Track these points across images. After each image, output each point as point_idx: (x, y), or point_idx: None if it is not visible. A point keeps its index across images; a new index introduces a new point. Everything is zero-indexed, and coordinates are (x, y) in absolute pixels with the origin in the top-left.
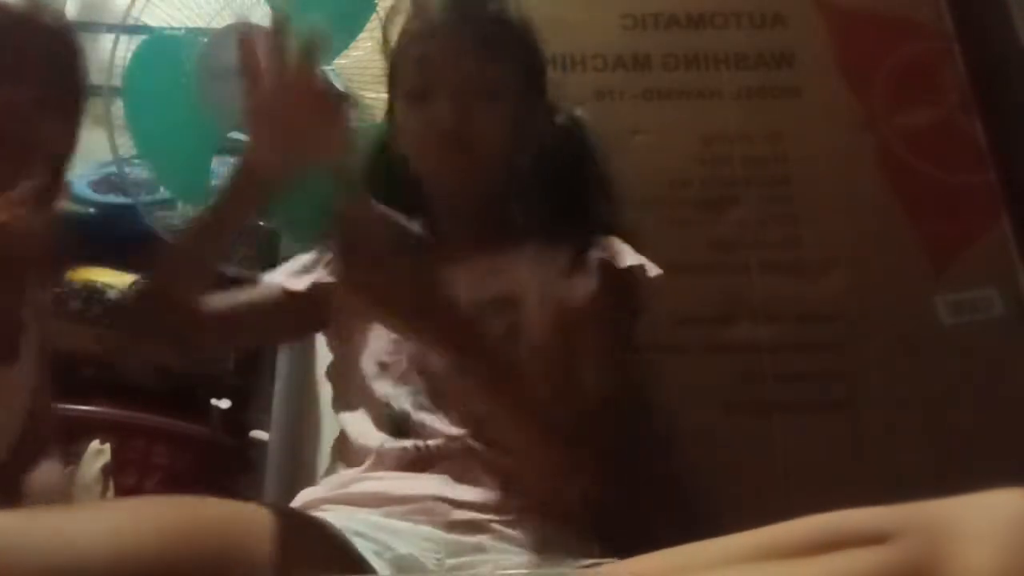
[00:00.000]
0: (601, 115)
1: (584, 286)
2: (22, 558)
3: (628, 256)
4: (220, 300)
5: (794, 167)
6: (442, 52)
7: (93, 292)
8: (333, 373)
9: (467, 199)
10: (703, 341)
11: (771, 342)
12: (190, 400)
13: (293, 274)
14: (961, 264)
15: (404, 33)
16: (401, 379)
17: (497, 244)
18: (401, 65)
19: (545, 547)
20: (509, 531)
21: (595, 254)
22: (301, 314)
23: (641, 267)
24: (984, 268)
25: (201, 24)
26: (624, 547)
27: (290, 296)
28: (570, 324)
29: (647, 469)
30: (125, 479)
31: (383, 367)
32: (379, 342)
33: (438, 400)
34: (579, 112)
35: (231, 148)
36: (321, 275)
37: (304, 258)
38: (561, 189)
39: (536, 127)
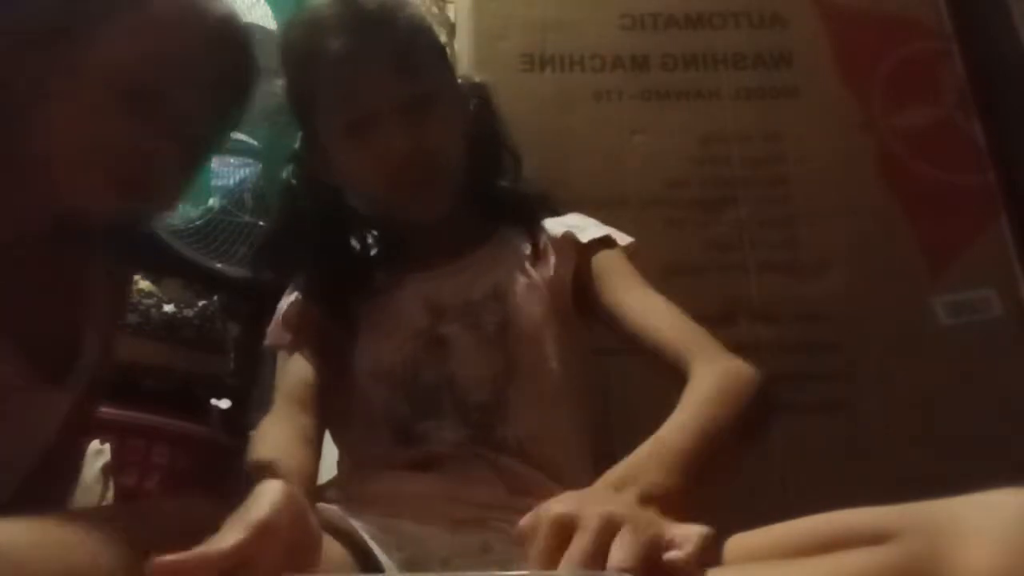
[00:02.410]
0: (599, 115)
1: (561, 264)
2: (36, 567)
3: (592, 229)
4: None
5: (792, 167)
6: (370, 79)
7: None
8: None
9: (438, 212)
10: None
11: (769, 342)
12: (190, 400)
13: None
14: (959, 265)
15: (310, 64)
16: (396, 389)
17: (467, 245)
18: (325, 101)
19: None
20: (513, 530)
21: (556, 231)
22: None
23: (608, 237)
24: (982, 269)
25: None
26: None
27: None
28: (560, 304)
29: None
30: (125, 479)
31: (377, 378)
32: (369, 356)
33: (433, 409)
34: (477, 79)
35: (231, 148)
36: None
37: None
38: (491, 162)
39: (465, 110)
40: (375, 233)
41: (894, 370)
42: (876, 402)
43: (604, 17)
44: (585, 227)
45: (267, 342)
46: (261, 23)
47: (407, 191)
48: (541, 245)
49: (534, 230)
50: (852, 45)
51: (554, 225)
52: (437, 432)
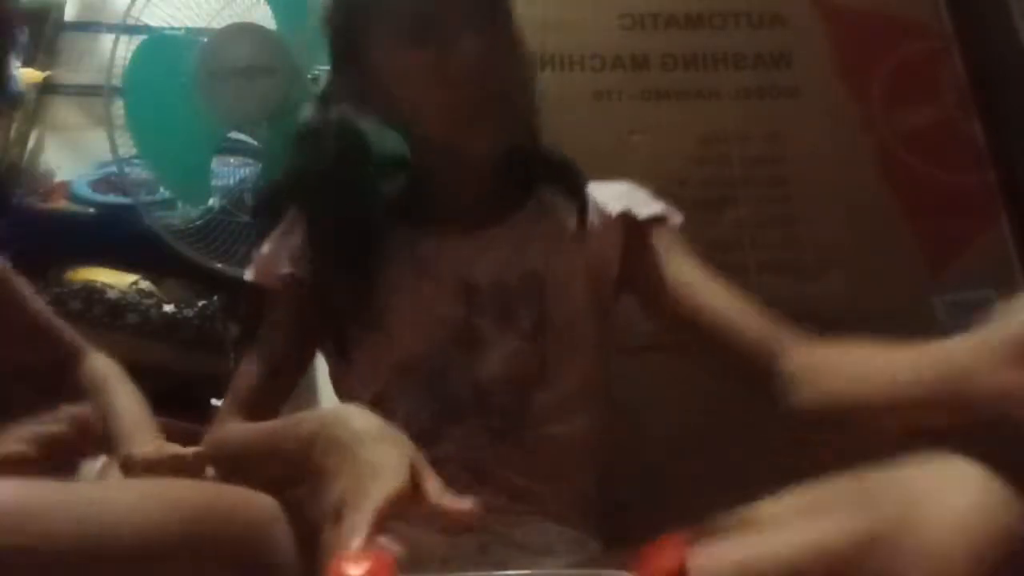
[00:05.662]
0: (599, 115)
1: (608, 242)
2: (59, 522)
3: (647, 204)
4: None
5: (792, 167)
6: None
7: (93, 292)
8: (338, 391)
9: (491, 148)
10: None
11: None
12: (190, 400)
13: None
14: (959, 265)
15: None
16: (422, 387)
17: (502, 210)
18: (379, 11)
19: (547, 548)
20: (511, 532)
21: (614, 207)
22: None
23: (663, 216)
24: (982, 269)
25: (201, 24)
26: (624, 547)
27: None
28: (602, 291)
29: (647, 469)
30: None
31: (402, 372)
32: (395, 345)
33: (456, 411)
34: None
35: (231, 148)
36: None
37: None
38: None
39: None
40: (404, 184)
41: None
42: None
43: (604, 17)
44: (639, 201)
45: (251, 277)
46: (261, 23)
47: (464, 111)
48: (588, 217)
49: (580, 197)
50: (852, 45)
51: (602, 193)
52: (453, 433)
